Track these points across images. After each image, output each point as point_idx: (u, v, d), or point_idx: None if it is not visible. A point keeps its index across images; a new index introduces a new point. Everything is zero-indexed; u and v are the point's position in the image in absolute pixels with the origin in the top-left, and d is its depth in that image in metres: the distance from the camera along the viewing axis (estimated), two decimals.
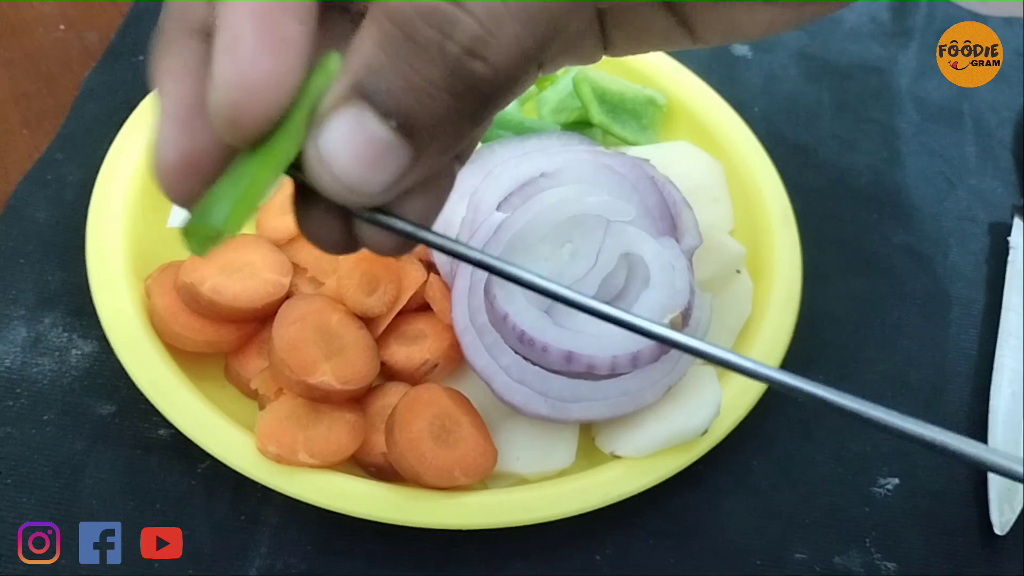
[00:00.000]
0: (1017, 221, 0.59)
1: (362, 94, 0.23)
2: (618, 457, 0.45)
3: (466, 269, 0.45)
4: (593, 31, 0.32)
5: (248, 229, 0.49)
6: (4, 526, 0.43)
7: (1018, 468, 0.24)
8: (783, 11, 0.30)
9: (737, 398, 0.47)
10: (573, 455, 0.46)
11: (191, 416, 0.43)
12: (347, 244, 0.27)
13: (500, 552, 0.45)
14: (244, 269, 0.46)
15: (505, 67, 0.23)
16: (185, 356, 0.46)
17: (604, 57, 0.33)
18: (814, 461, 0.50)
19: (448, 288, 0.46)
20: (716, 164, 0.56)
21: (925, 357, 0.55)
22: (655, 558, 0.46)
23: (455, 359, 0.46)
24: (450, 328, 0.45)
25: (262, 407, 0.45)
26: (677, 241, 0.46)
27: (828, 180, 0.62)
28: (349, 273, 0.46)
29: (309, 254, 0.48)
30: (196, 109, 0.24)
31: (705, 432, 0.45)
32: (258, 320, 0.47)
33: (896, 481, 0.49)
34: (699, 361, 0.48)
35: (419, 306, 0.48)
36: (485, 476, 0.44)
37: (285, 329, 0.43)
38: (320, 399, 0.43)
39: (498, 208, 0.46)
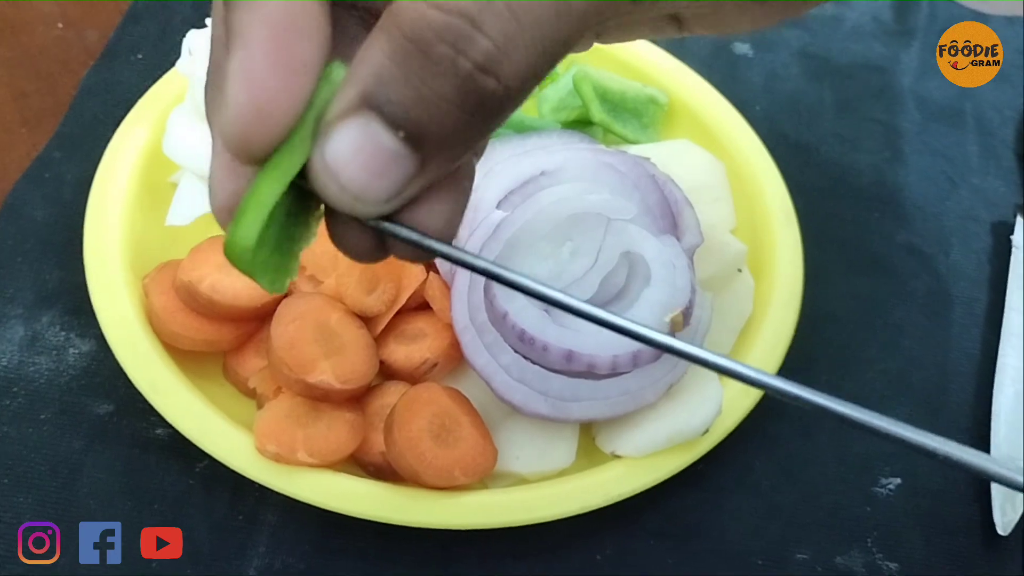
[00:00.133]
0: (1020, 220, 0.59)
1: (370, 104, 0.23)
2: (618, 457, 0.45)
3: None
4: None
5: None
6: (2, 526, 0.43)
7: (1019, 478, 0.24)
8: (769, 7, 0.30)
9: (738, 397, 0.46)
10: (573, 455, 0.46)
11: (189, 415, 0.43)
12: (377, 253, 0.27)
13: (499, 552, 0.44)
14: None
15: (516, 84, 0.23)
16: (183, 355, 0.46)
17: (604, 55, 0.33)
18: (816, 461, 0.49)
19: (448, 287, 0.46)
20: (717, 163, 0.55)
21: (927, 357, 0.54)
22: (656, 558, 0.45)
23: (455, 358, 0.46)
24: (450, 327, 0.45)
25: (260, 406, 0.45)
26: (678, 240, 0.46)
27: (830, 179, 0.62)
28: (348, 271, 0.46)
29: (307, 252, 0.48)
30: None
31: (706, 432, 0.45)
32: (257, 319, 0.46)
33: (898, 481, 0.49)
34: None
35: (418, 305, 0.47)
36: (485, 476, 0.44)
37: (284, 328, 0.43)
38: (319, 398, 0.43)
39: (498, 206, 0.46)
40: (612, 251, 0.44)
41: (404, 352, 0.46)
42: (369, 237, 0.26)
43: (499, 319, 0.43)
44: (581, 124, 0.57)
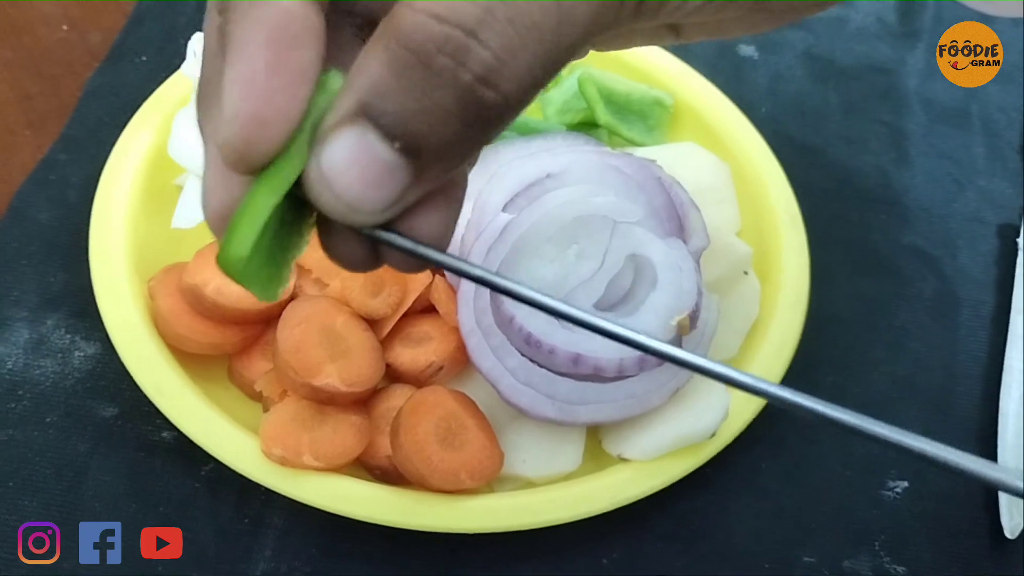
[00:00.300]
0: None
1: (367, 114, 0.22)
2: (625, 460, 0.45)
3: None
4: None
5: None
6: (5, 529, 0.43)
7: (1019, 484, 0.24)
8: (768, 16, 0.30)
9: (745, 401, 0.46)
10: (580, 458, 0.45)
11: (195, 418, 0.43)
12: (371, 262, 0.27)
13: (506, 556, 0.44)
14: None
15: (516, 94, 0.23)
16: (189, 358, 0.46)
17: (609, 57, 0.33)
18: (823, 464, 0.49)
19: (453, 290, 0.46)
20: (723, 165, 0.55)
21: (934, 359, 0.54)
22: (663, 561, 0.45)
23: (461, 361, 0.46)
24: (456, 330, 0.45)
25: (266, 409, 0.45)
26: (684, 242, 0.46)
27: (835, 181, 0.62)
28: (354, 275, 0.46)
29: (313, 255, 0.48)
30: None
31: (713, 435, 0.45)
32: (262, 322, 0.46)
33: (905, 484, 0.49)
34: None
35: (424, 308, 0.47)
36: (491, 479, 0.44)
37: (290, 331, 0.43)
38: (325, 401, 0.43)
39: (504, 209, 0.46)
40: (618, 254, 0.44)
41: (410, 355, 0.46)
42: (362, 246, 0.26)
43: (505, 322, 0.43)
44: (586, 126, 0.57)
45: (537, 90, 0.24)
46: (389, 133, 0.22)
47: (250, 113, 0.22)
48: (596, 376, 0.43)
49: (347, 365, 0.43)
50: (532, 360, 0.43)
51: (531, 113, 0.58)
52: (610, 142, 0.57)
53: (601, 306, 0.44)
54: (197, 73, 0.51)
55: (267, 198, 0.24)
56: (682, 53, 0.61)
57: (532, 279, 0.44)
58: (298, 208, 0.25)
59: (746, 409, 0.46)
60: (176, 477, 0.45)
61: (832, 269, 0.55)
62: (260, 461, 0.42)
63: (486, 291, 0.44)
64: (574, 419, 0.44)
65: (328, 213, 0.24)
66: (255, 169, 0.23)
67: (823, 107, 0.66)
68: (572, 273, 0.44)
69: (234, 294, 0.44)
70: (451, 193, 0.26)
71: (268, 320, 0.46)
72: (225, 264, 0.24)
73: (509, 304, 0.43)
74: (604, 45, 0.33)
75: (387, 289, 0.46)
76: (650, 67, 0.59)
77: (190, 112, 0.51)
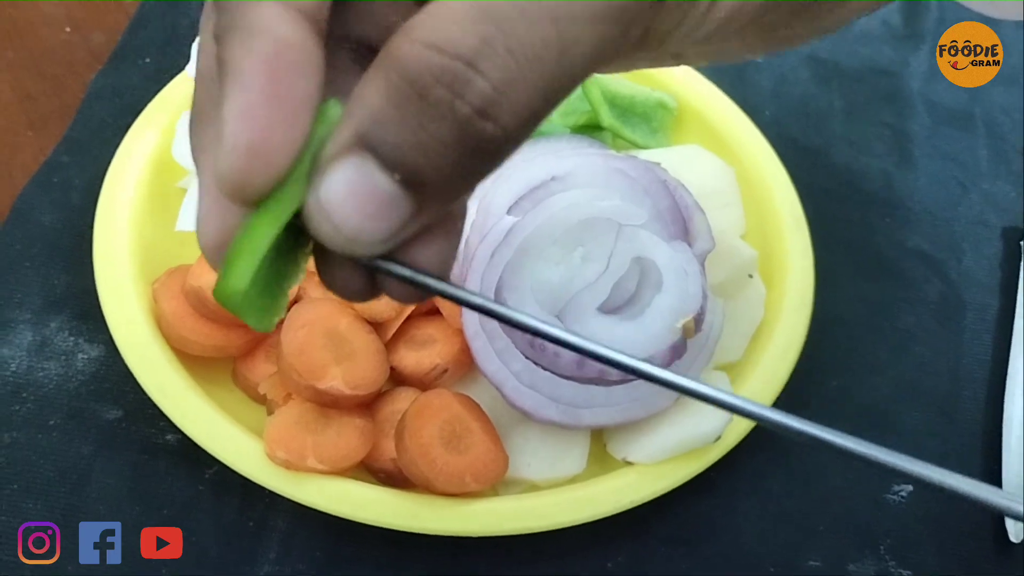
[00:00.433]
0: None
1: (366, 145, 0.22)
2: (630, 463, 0.45)
3: (476, 273, 0.44)
4: None
5: None
6: (8, 531, 0.42)
7: (1019, 507, 0.24)
8: (765, 43, 0.31)
9: None
10: (584, 461, 0.45)
11: (199, 421, 0.43)
12: (368, 292, 0.26)
13: (510, 559, 0.44)
14: None
15: (515, 127, 0.23)
16: (193, 360, 0.46)
17: None
18: (828, 467, 0.49)
19: None
20: (727, 168, 0.55)
21: (938, 363, 0.54)
22: (668, 565, 0.45)
23: (465, 364, 0.46)
24: (460, 333, 0.45)
25: (270, 412, 0.44)
26: (689, 245, 0.46)
27: (839, 184, 0.62)
28: None
29: None
30: None
31: (718, 439, 0.45)
32: None
33: (910, 488, 0.49)
34: (712, 367, 0.48)
35: (429, 310, 0.47)
36: (496, 482, 0.44)
37: (294, 333, 0.43)
38: (329, 404, 0.43)
39: (508, 212, 0.46)
40: (623, 257, 0.44)
41: (414, 358, 0.46)
42: (360, 276, 0.26)
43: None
44: (590, 129, 0.57)
45: (538, 122, 0.23)
46: (389, 164, 0.22)
47: (250, 145, 0.22)
48: (601, 379, 0.43)
49: (351, 368, 0.43)
50: (536, 363, 0.43)
51: None
52: (614, 145, 0.56)
53: (606, 309, 0.44)
54: None
55: (266, 230, 0.23)
56: None
57: (537, 282, 0.44)
58: (295, 236, 0.24)
59: None
60: (180, 480, 0.45)
61: (836, 272, 0.55)
62: (264, 464, 0.42)
63: (491, 294, 0.44)
64: (578, 422, 0.44)
65: (327, 244, 0.23)
66: (253, 201, 0.23)
67: (827, 110, 0.66)
68: (577, 276, 0.44)
69: None
70: (451, 224, 0.26)
71: None
72: (222, 297, 0.24)
73: (514, 307, 0.43)
74: (605, 70, 0.32)
75: None
76: (653, 70, 0.59)
77: None
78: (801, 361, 0.49)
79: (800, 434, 0.25)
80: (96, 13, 0.64)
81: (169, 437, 0.46)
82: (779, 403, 0.47)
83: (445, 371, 0.45)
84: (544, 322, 0.26)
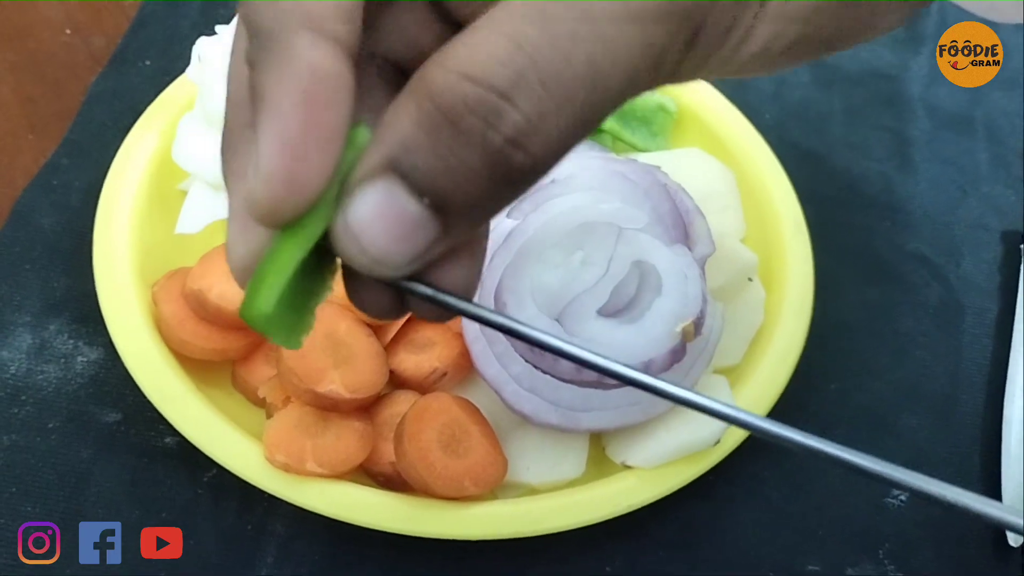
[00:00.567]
0: None
1: (396, 169, 0.22)
2: (629, 467, 0.45)
3: None
4: None
5: None
6: (7, 534, 0.43)
7: (1018, 521, 0.24)
8: (781, 62, 0.30)
9: (749, 408, 0.46)
10: (583, 465, 0.45)
11: (198, 424, 0.43)
12: (396, 311, 0.27)
13: (509, 563, 0.44)
14: None
15: (545, 158, 0.23)
16: (192, 363, 0.46)
17: None
18: (826, 472, 0.49)
19: None
20: (727, 171, 0.55)
21: (938, 366, 0.54)
22: (666, 570, 0.45)
23: (465, 367, 0.46)
24: (460, 336, 0.45)
25: (269, 415, 0.44)
26: (689, 249, 0.46)
27: (840, 187, 0.62)
28: None
29: None
30: None
31: (717, 442, 0.45)
32: None
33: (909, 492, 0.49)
34: (711, 371, 0.48)
35: None
36: (495, 486, 0.43)
37: None
38: (328, 408, 0.43)
39: (508, 215, 0.46)
40: (623, 260, 0.44)
41: (414, 361, 0.46)
42: (387, 296, 0.26)
43: None
44: None
45: (567, 151, 0.24)
46: (417, 188, 0.22)
47: (284, 172, 0.22)
48: (600, 383, 0.43)
49: (351, 371, 0.43)
50: (536, 367, 0.43)
51: None
52: (614, 147, 0.56)
53: (605, 312, 0.44)
54: (202, 78, 0.51)
55: (293, 252, 0.24)
56: None
57: (536, 285, 0.44)
58: (322, 256, 0.25)
59: None
60: (179, 483, 0.45)
61: (836, 276, 0.55)
62: (263, 467, 0.42)
63: (491, 297, 0.44)
64: (577, 426, 0.44)
65: (354, 265, 0.24)
66: (283, 224, 0.24)
67: (827, 113, 0.66)
68: (577, 279, 0.44)
69: (237, 299, 0.44)
70: (476, 246, 0.27)
71: None
72: (250, 317, 0.24)
73: (514, 310, 0.43)
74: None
75: None
76: None
77: (195, 117, 0.51)
78: (801, 365, 0.49)
79: (797, 445, 0.25)
80: (96, 16, 0.64)
81: (168, 440, 0.46)
82: (778, 407, 0.47)
83: (444, 374, 0.45)
84: (572, 343, 0.26)
